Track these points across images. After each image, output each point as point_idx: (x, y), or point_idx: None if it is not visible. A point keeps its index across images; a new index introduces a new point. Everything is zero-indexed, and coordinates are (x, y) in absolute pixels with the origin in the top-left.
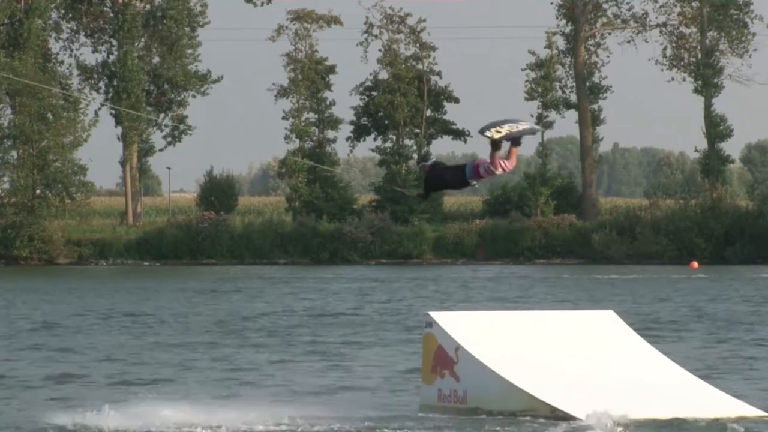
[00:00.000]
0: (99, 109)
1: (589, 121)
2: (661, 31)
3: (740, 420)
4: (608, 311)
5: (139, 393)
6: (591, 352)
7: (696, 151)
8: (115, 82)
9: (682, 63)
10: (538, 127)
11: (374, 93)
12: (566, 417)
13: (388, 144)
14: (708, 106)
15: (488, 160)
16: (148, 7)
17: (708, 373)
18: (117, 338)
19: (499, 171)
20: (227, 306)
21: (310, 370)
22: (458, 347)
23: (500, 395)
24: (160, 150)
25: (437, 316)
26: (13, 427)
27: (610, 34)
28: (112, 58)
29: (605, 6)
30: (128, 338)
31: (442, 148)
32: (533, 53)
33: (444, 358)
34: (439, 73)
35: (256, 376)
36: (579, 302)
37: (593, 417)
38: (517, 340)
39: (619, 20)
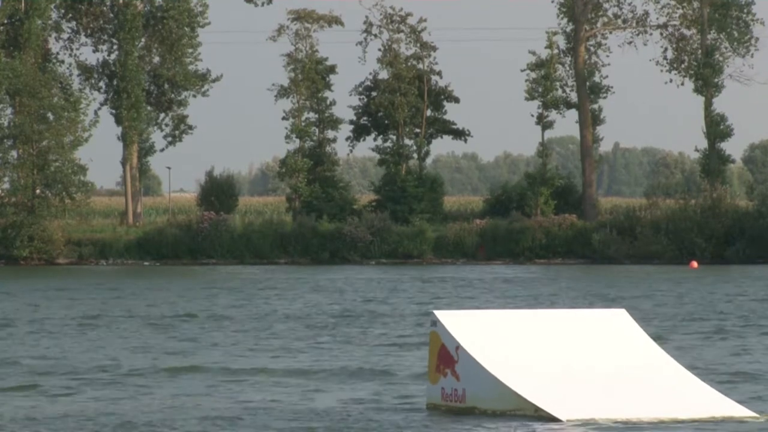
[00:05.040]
0: (99, 108)
1: (590, 120)
2: (662, 33)
3: (729, 420)
4: (620, 310)
5: None
6: (594, 351)
7: (696, 150)
8: (115, 82)
9: (682, 66)
10: None
11: (374, 93)
12: (550, 417)
13: (388, 144)
14: (708, 106)
15: None
16: (148, 7)
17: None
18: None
19: None
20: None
21: (310, 368)
22: (458, 346)
23: (493, 394)
24: (161, 150)
25: (441, 315)
26: None
27: (611, 32)
28: (112, 57)
29: (606, 6)
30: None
31: (443, 148)
32: (533, 53)
33: (447, 357)
34: (439, 73)
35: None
36: (599, 300)
37: (574, 417)
38: (519, 340)
39: (619, 20)
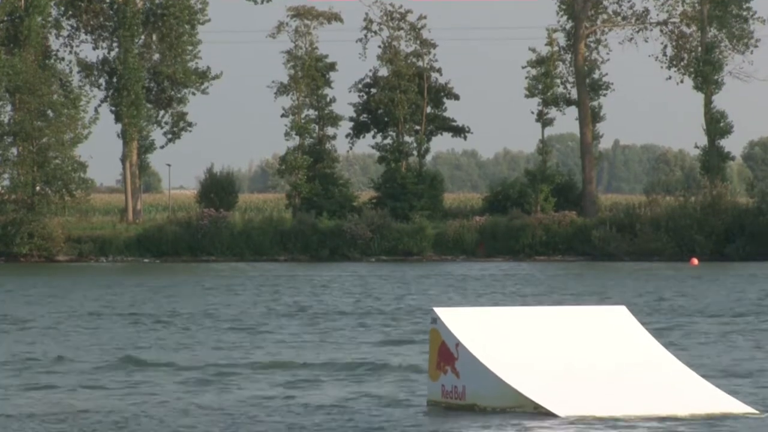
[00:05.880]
0: (99, 105)
1: (590, 118)
2: (661, 30)
3: (729, 417)
4: (620, 307)
5: None
6: (594, 348)
7: (696, 147)
8: (115, 79)
9: (682, 63)
10: None
11: (374, 90)
12: (549, 414)
13: (388, 141)
14: (708, 103)
15: None
16: (147, 4)
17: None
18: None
19: None
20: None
21: (311, 366)
22: (458, 343)
23: (493, 391)
24: (161, 147)
25: (441, 312)
26: None
27: (611, 29)
28: (112, 54)
29: (606, 3)
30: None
31: (442, 145)
32: (533, 50)
33: (447, 354)
34: (439, 70)
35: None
36: (598, 297)
37: (573, 414)
38: (519, 337)
39: (619, 17)
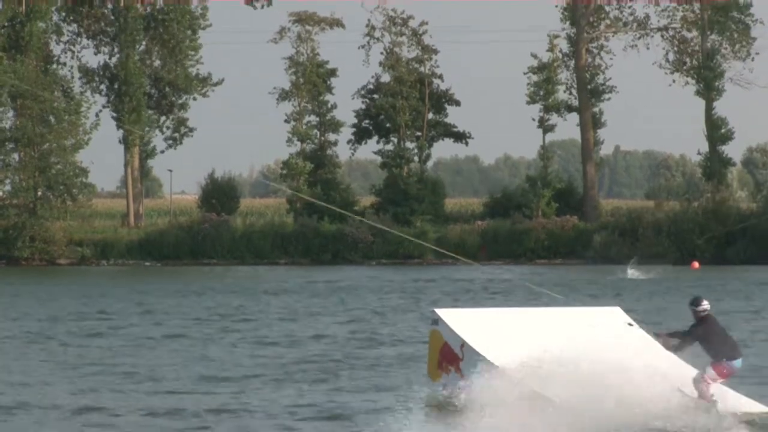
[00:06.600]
0: (100, 111)
1: (591, 123)
2: (662, 36)
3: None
4: (615, 308)
5: None
6: (597, 347)
7: (699, 154)
8: (116, 85)
9: (684, 67)
10: None
11: (376, 96)
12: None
13: (390, 147)
14: (709, 109)
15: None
16: (149, 9)
17: None
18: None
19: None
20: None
21: (312, 366)
22: (463, 344)
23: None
24: (162, 152)
25: (443, 313)
26: None
27: (614, 34)
28: (113, 60)
29: (607, 8)
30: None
31: (444, 151)
32: (535, 56)
33: (449, 354)
34: (440, 76)
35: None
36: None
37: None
38: (522, 337)
39: (620, 23)
